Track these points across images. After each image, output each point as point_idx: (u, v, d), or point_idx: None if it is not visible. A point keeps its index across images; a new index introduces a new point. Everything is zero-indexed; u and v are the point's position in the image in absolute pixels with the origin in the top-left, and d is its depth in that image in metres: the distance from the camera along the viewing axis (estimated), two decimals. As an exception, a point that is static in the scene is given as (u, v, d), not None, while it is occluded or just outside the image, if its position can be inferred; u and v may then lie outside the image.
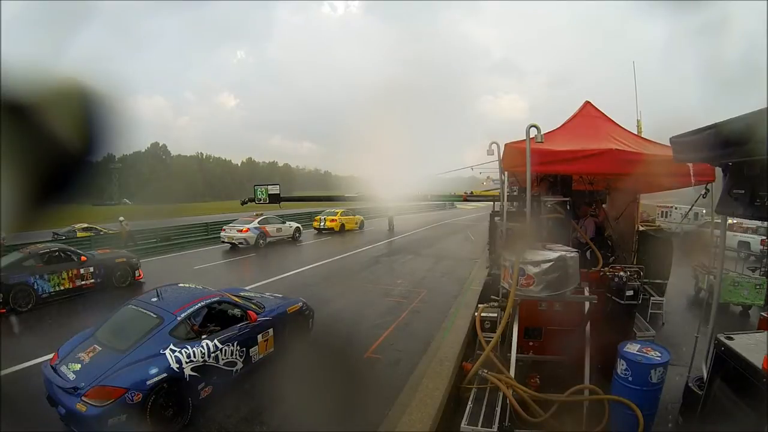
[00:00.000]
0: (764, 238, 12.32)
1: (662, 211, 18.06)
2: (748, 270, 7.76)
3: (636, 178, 4.67)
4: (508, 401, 3.27)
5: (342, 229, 19.65)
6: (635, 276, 4.25)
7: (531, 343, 4.22)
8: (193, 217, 21.45)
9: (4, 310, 7.01)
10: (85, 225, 15.62)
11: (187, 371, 3.85)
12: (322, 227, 19.51)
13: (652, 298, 5.90)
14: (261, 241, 15.05)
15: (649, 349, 3.37)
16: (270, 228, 15.63)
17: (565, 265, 3.52)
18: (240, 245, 14.71)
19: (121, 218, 14.19)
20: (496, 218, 5.99)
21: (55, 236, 13.91)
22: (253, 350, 4.61)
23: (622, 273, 4.07)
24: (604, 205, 6.16)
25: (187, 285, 5.00)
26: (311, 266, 11.50)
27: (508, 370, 3.60)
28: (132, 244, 13.17)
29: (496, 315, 4.49)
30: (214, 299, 4.61)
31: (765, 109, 1.93)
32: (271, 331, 4.87)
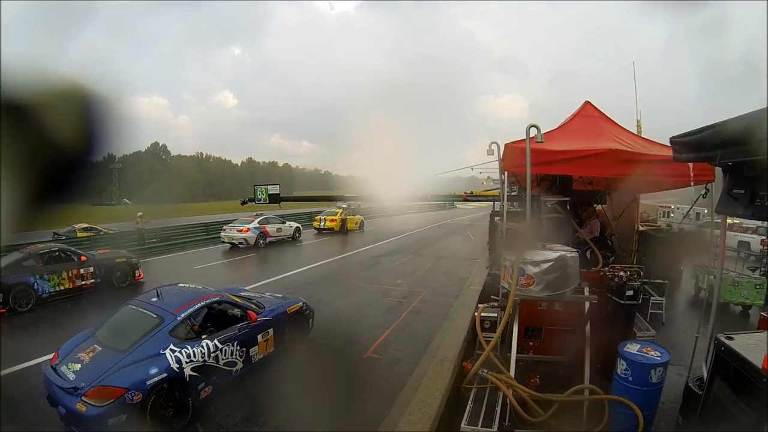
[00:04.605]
0: (764, 238, 12.33)
1: (663, 211, 18.10)
2: (748, 270, 7.77)
3: (636, 178, 4.66)
4: (508, 401, 3.27)
5: (342, 229, 19.66)
6: (635, 276, 4.25)
7: (531, 343, 4.21)
8: (193, 217, 21.43)
9: (4, 310, 7.01)
10: (85, 225, 15.61)
11: (187, 371, 3.85)
12: (322, 227, 19.52)
13: (652, 298, 5.90)
14: (261, 241, 15.05)
15: (649, 348, 3.37)
16: (270, 228, 15.62)
17: (565, 265, 3.53)
18: (240, 245, 14.71)
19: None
20: (496, 218, 5.99)
21: (56, 236, 13.90)
22: (253, 350, 4.61)
23: (622, 273, 4.07)
24: (600, 206, 6.15)
25: (187, 285, 5.00)
26: (311, 266, 11.50)
27: (508, 370, 3.60)
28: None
29: (496, 315, 4.48)
30: (214, 299, 4.61)
31: (765, 109, 1.93)
32: (271, 331, 4.87)
